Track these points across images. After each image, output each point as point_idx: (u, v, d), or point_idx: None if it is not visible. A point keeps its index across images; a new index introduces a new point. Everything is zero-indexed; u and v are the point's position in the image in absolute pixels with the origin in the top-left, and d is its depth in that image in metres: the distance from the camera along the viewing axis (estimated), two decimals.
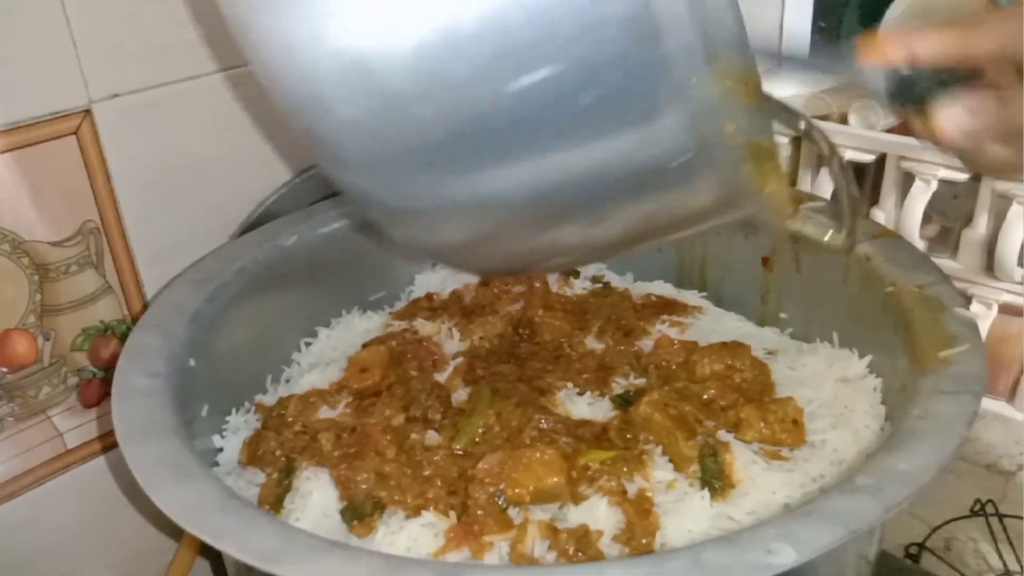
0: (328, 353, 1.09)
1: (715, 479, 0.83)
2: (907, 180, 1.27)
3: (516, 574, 0.57)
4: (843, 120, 1.50)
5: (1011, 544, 1.17)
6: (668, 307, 1.11)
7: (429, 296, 1.17)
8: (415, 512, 0.80)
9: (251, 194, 1.21)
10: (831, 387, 0.95)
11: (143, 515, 1.17)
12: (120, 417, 0.77)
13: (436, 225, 0.62)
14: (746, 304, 1.15)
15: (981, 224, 1.22)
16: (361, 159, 0.53)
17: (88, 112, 1.00)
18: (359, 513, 0.80)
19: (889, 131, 1.37)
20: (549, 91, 0.46)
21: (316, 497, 0.83)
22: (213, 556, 1.19)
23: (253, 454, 0.91)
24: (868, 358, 0.96)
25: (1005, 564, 1.15)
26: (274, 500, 0.84)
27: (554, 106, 0.47)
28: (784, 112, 0.76)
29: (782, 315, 1.13)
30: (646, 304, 1.12)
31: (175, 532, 1.19)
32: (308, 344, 1.12)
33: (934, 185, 1.22)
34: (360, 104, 0.48)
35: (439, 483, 0.83)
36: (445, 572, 0.57)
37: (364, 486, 0.82)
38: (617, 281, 1.20)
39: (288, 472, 0.86)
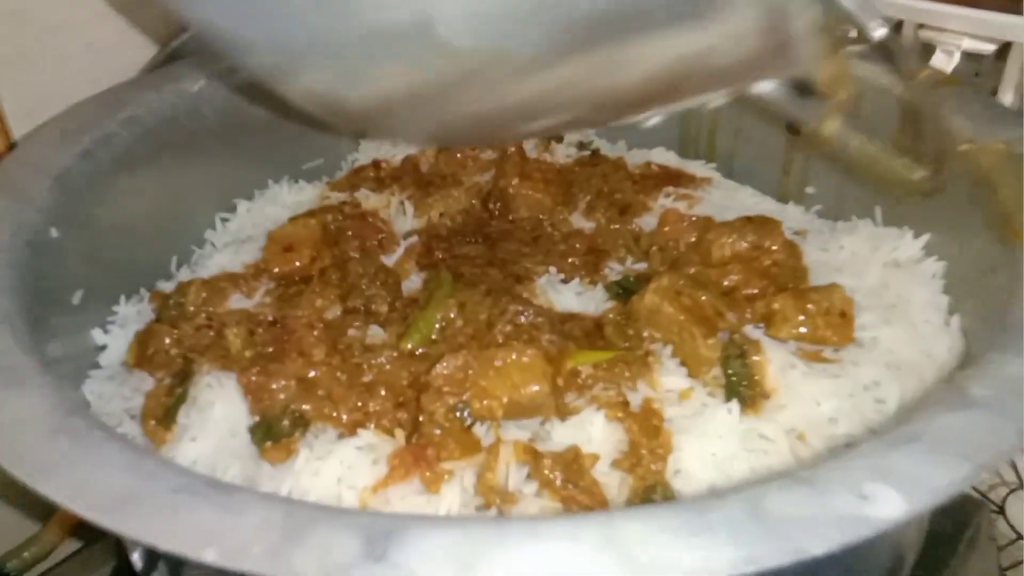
0: (248, 231, 0.87)
1: (743, 386, 0.63)
2: (926, 51, 1.07)
3: (474, 530, 0.37)
4: None
5: None
6: (672, 178, 0.91)
7: (376, 164, 0.95)
8: (350, 430, 0.61)
9: (153, 33, 0.96)
10: (877, 273, 0.76)
11: None
12: None
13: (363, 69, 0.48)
14: (763, 176, 0.95)
15: (1006, 101, 1.03)
16: None
17: None
18: (274, 432, 0.60)
19: None
20: None
21: (219, 410, 0.63)
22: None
23: (142, 354, 0.70)
24: (925, 237, 0.77)
25: None
26: (162, 413, 0.64)
27: None
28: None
29: (808, 189, 0.93)
30: (645, 175, 0.91)
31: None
32: (225, 221, 0.89)
33: (957, 57, 1.02)
34: None
35: (383, 392, 0.63)
36: (372, 532, 0.37)
37: (282, 396, 0.62)
38: (608, 149, 0.99)
39: (184, 377, 0.66)
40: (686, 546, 0.38)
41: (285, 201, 0.91)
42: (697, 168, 0.95)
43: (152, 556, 0.61)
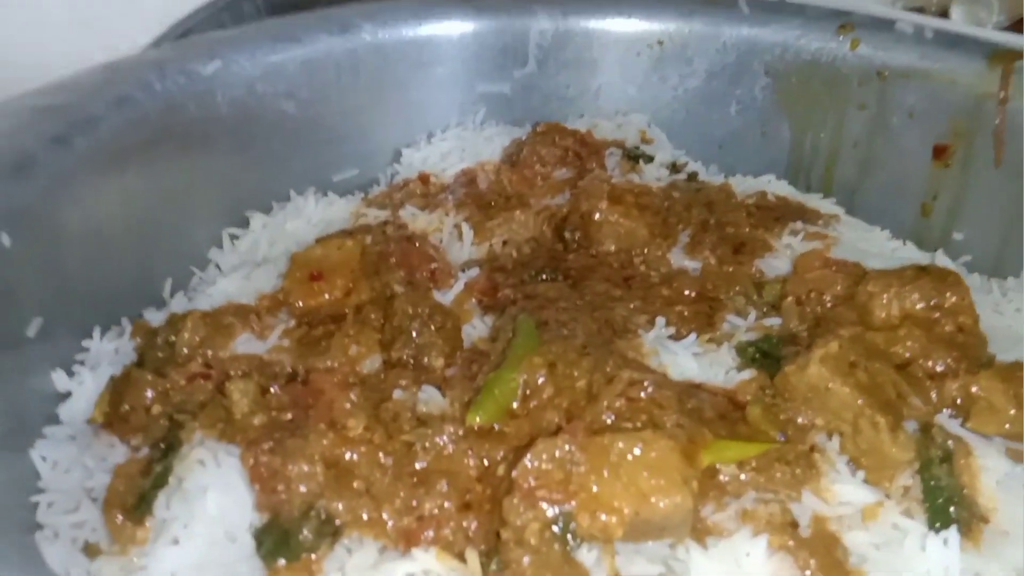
0: (263, 251, 0.69)
1: (955, 505, 0.45)
2: None
3: None
4: (943, 13, 1.18)
5: None
6: (796, 212, 0.73)
7: (424, 177, 0.78)
8: (401, 544, 0.42)
9: (161, 7, 0.79)
10: None
11: None
12: None
13: None
14: (895, 215, 0.78)
15: None
16: None
17: None
18: (290, 543, 0.42)
19: (1002, 29, 1.09)
20: None
21: (213, 500, 0.45)
22: None
23: (115, 409, 0.53)
24: None
25: None
26: (134, 501, 0.46)
27: None
28: None
29: (956, 235, 0.75)
30: (761, 206, 0.73)
31: None
32: (235, 238, 0.72)
33: None
34: None
35: (443, 487, 0.44)
36: None
37: (303, 488, 0.44)
38: (704, 174, 0.81)
39: (168, 448, 0.48)
40: None
41: (311, 217, 0.74)
42: (819, 203, 0.77)
43: None
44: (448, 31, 0.82)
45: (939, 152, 0.76)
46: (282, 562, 0.42)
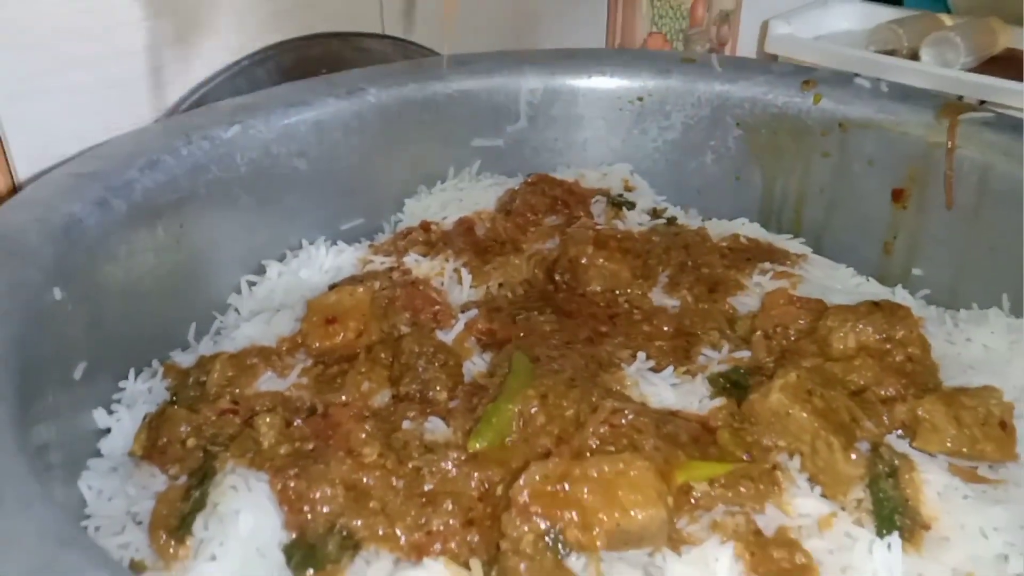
0: (279, 297, 0.76)
1: (898, 514, 0.51)
2: None
3: None
4: (913, 56, 1.26)
5: None
6: (766, 253, 0.79)
7: (425, 226, 0.84)
8: (413, 555, 0.48)
9: (181, 74, 0.87)
10: (1022, 372, 0.64)
11: None
12: None
13: None
14: (860, 254, 0.85)
15: None
16: None
17: None
18: (316, 556, 0.48)
19: (970, 70, 1.18)
20: None
21: (245, 521, 0.50)
22: None
23: (153, 443, 0.58)
24: None
25: None
26: (176, 523, 0.51)
27: None
28: None
29: (916, 271, 0.82)
30: (734, 248, 0.80)
31: None
32: (252, 285, 0.78)
33: None
34: None
35: (449, 506, 0.50)
36: None
37: (326, 509, 0.50)
38: (682, 219, 0.88)
39: (203, 476, 0.53)
40: None
41: (323, 264, 0.80)
42: (788, 244, 0.84)
43: None
44: (446, 91, 0.89)
45: (897, 195, 0.83)
46: (310, 572, 0.48)
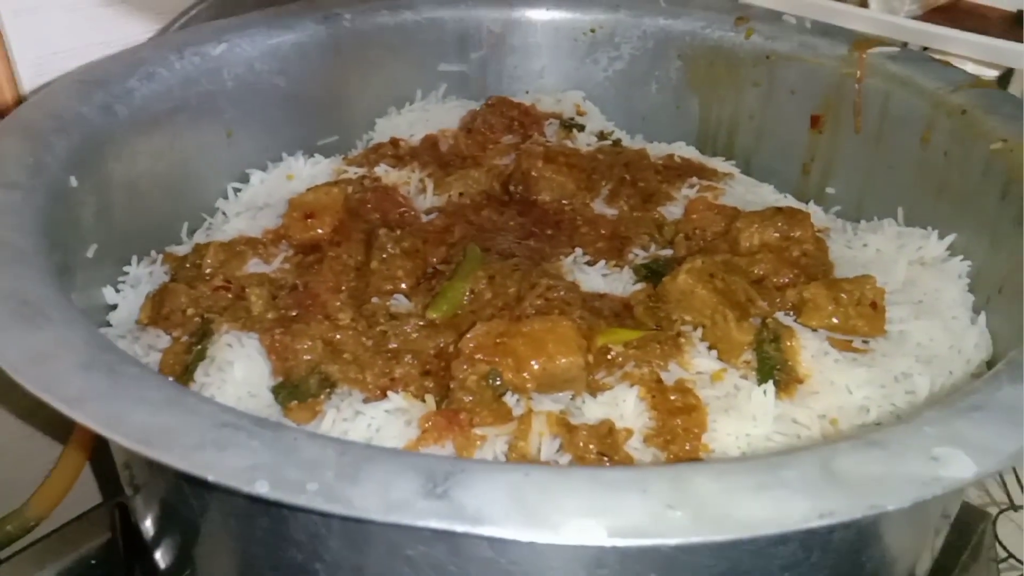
0: (263, 199, 0.85)
1: (777, 371, 0.62)
2: None
3: (536, 475, 0.36)
4: (862, 3, 1.34)
5: None
6: (695, 171, 0.89)
7: (394, 141, 0.93)
8: (378, 394, 0.59)
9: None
10: (904, 270, 0.75)
11: (11, 399, 0.93)
12: None
13: None
14: (783, 175, 0.95)
15: None
16: None
17: None
18: (299, 391, 0.58)
19: (915, 18, 1.25)
20: None
21: (239, 369, 0.61)
22: (102, 457, 0.95)
23: (157, 312, 0.68)
24: (950, 237, 0.77)
25: None
26: (181, 370, 0.61)
27: None
28: None
29: (829, 190, 0.93)
30: (668, 166, 0.90)
31: (60, 425, 0.95)
32: (237, 191, 0.87)
33: None
34: None
35: (409, 359, 0.61)
36: (432, 472, 0.35)
37: (308, 357, 0.60)
38: (627, 142, 0.98)
39: (202, 335, 0.63)
40: (758, 499, 0.36)
41: (301, 173, 0.89)
42: (718, 164, 0.94)
43: (164, 523, 0.58)
44: (416, 18, 0.98)
45: (815, 121, 0.93)
46: (294, 403, 0.58)
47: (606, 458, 0.55)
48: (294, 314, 0.65)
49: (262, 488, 0.35)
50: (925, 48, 1.16)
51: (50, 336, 0.44)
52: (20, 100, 0.87)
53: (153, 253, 0.78)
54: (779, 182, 0.94)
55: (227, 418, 0.39)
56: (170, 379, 0.57)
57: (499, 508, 0.35)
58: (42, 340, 0.44)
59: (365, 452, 0.37)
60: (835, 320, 0.67)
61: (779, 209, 0.76)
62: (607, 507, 0.36)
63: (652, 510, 0.36)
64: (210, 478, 0.35)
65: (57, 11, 0.86)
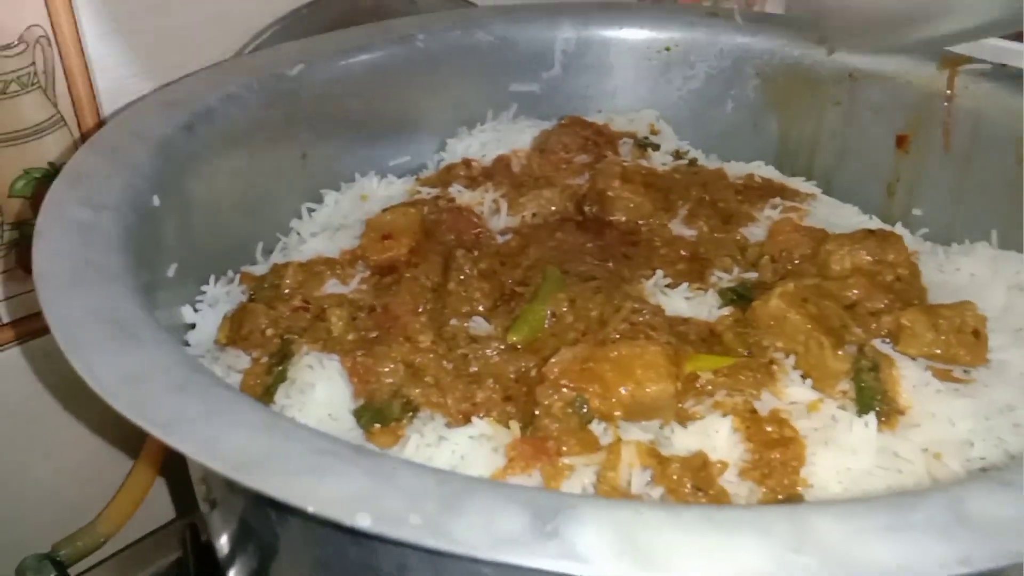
0: (338, 220, 0.85)
1: (877, 401, 0.59)
2: None
3: (647, 514, 0.33)
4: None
5: None
6: (776, 191, 0.87)
7: (467, 162, 0.93)
8: (460, 419, 0.57)
9: (244, 20, 0.95)
10: (1001, 296, 0.72)
11: (85, 414, 0.94)
12: (43, 254, 0.52)
13: None
14: (865, 196, 0.92)
15: None
16: None
17: None
18: (382, 415, 0.57)
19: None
20: None
21: (320, 391, 0.60)
22: (174, 474, 0.96)
23: (236, 332, 0.67)
24: None
25: None
26: (261, 391, 0.61)
27: None
28: None
29: (915, 211, 0.89)
30: (748, 186, 0.88)
31: (131, 440, 0.96)
32: (312, 211, 0.87)
33: None
34: None
35: (491, 383, 0.59)
36: (539, 507, 0.33)
37: (390, 380, 0.59)
38: (703, 160, 0.96)
39: (283, 357, 0.63)
40: (887, 543, 0.34)
41: (375, 194, 0.88)
42: (799, 184, 0.91)
43: (239, 542, 0.58)
44: (489, 38, 0.97)
45: (900, 141, 0.90)
46: (377, 426, 0.57)
47: (701, 492, 0.53)
48: (374, 336, 0.64)
49: (364, 522, 0.33)
50: None
51: (142, 358, 0.44)
52: (101, 122, 0.88)
53: (230, 272, 0.78)
54: (862, 203, 0.90)
55: (323, 444, 0.37)
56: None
57: (611, 549, 0.33)
58: (134, 362, 0.43)
59: (464, 483, 0.36)
60: (936, 350, 0.64)
61: (871, 231, 0.73)
62: (725, 550, 0.34)
63: (774, 554, 0.33)
64: (310, 509, 0.34)
65: (136, 34, 0.88)
